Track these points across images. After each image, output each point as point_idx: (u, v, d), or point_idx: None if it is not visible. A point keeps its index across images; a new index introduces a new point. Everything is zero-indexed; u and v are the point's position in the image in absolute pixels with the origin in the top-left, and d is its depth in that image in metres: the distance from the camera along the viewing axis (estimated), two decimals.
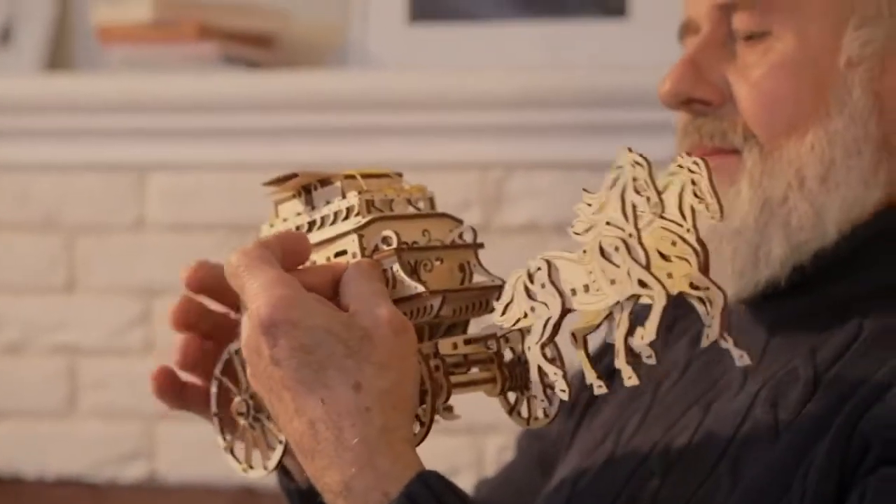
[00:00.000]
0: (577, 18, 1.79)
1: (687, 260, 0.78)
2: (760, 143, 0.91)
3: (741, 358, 0.79)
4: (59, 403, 1.93)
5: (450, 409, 0.86)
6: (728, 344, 0.79)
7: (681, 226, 0.78)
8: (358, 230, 0.84)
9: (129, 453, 1.91)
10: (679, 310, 0.96)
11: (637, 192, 0.79)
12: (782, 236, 0.90)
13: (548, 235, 1.76)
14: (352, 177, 0.87)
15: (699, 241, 0.78)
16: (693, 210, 0.79)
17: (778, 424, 0.87)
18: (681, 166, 0.80)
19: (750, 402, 0.91)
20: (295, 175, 0.87)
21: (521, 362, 0.85)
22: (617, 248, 0.78)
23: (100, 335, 1.91)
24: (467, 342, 0.85)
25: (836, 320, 0.91)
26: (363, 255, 0.84)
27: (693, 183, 0.79)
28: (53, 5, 1.99)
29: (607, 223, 0.80)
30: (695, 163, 0.79)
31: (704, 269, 0.78)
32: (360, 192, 0.86)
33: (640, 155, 0.79)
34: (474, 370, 0.86)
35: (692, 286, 0.78)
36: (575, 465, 1.01)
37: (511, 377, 0.85)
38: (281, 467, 0.93)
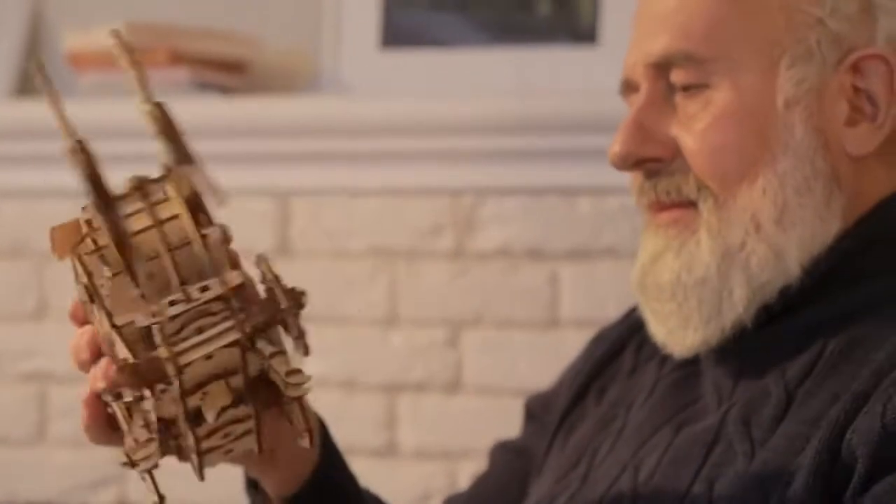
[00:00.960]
0: (547, 45, 1.80)
1: None
2: (714, 193, 0.92)
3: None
4: (30, 430, 1.92)
5: None
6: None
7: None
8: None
9: (99, 479, 1.90)
10: (646, 330, 0.97)
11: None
12: (743, 280, 0.92)
13: (520, 260, 1.76)
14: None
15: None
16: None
17: (753, 443, 0.88)
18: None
19: (720, 420, 0.91)
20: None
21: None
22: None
23: (70, 362, 1.90)
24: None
25: (801, 343, 0.92)
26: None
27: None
28: (23, 30, 1.98)
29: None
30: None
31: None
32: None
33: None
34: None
35: None
36: (548, 487, 1.01)
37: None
38: (248, 481, 0.91)
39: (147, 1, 1.97)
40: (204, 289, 0.74)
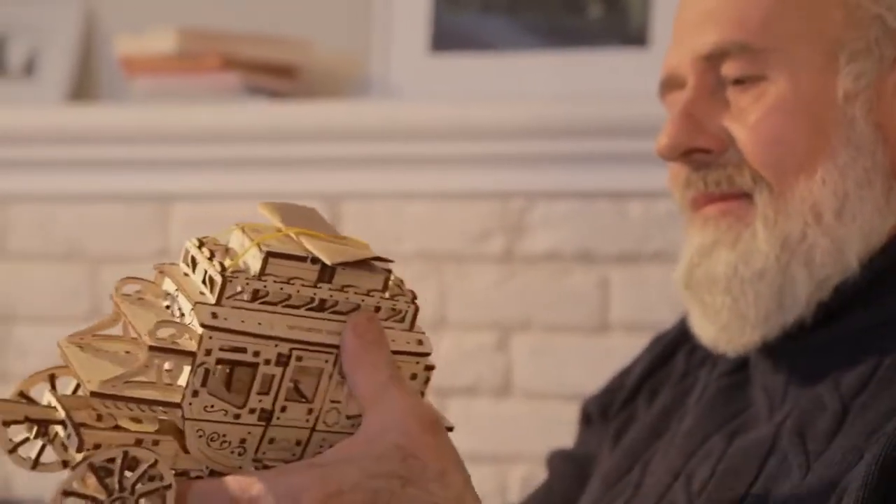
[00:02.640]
0: (597, 48, 1.79)
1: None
2: (770, 184, 0.91)
3: None
4: None
5: None
6: None
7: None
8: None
9: None
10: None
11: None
12: (805, 273, 0.90)
13: (570, 264, 1.76)
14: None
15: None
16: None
17: (808, 456, 0.87)
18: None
19: (775, 432, 0.90)
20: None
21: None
22: None
23: None
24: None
25: (856, 349, 0.90)
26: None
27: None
28: (78, 37, 2.00)
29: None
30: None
31: None
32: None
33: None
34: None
35: None
36: (599, 492, 1.00)
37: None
38: None
39: (198, 6, 1.99)
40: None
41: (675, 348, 1.06)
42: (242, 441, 0.72)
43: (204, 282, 0.73)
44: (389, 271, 0.75)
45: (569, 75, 1.79)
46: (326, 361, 0.73)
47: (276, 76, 1.88)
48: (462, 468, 0.75)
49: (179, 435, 0.72)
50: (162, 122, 1.86)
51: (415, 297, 0.76)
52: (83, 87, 2.02)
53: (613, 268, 1.74)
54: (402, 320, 0.75)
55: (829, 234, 0.90)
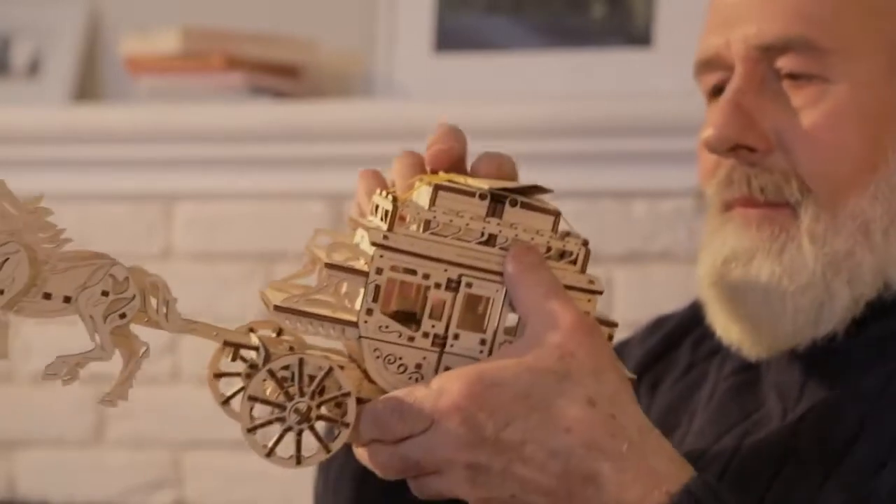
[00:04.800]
0: (601, 48, 1.79)
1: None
2: (818, 198, 0.88)
3: None
4: (88, 432, 1.94)
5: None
6: None
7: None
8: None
9: (157, 481, 1.91)
10: (706, 325, 0.94)
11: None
12: (847, 291, 0.88)
13: None
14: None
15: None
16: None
17: (827, 463, 0.85)
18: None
19: (791, 434, 0.89)
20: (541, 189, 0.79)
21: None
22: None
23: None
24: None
25: (876, 355, 0.89)
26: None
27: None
28: (82, 36, 2.00)
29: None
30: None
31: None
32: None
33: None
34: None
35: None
36: None
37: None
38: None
39: (203, 6, 1.99)
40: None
41: (680, 337, 1.04)
42: (418, 366, 0.76)
43: (382, 218, 0.77)
44: (559, 213, 0.78)
45: (573, 75, 1.79)
46: (497, 291, 0.76)
47: (280, 76, 1.88)
48: (619, 368, 0.76)
49: (364, 371, 0.76)
50: (166, 121, 1.86)
51: (586, 242, 0.79)
52: (87, 87, 2.02)
53: (618, 267, 1.74)
54: (575, 263, 0.78)
55: (874, 252, 0.87)
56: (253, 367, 0.77)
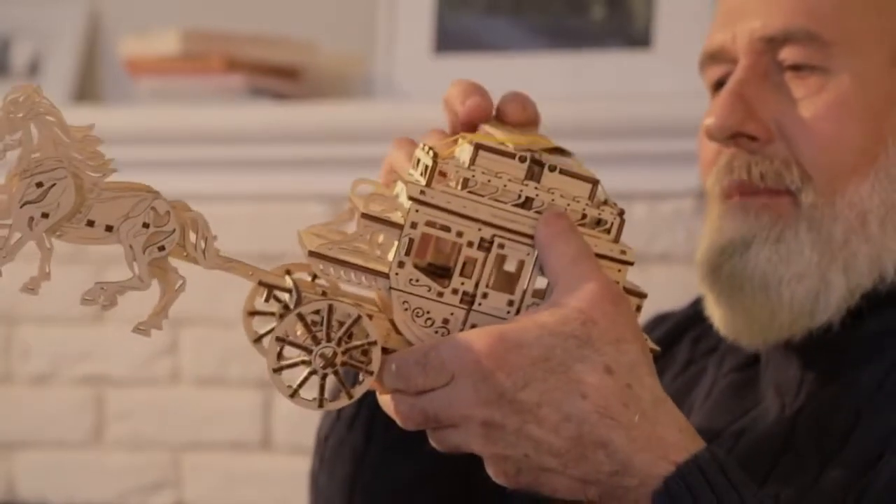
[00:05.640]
0: (601, 49, 1.79)
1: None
2: (818, 185, 0.89)
3: None
4: (87, 433, 1.94)
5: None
6: None
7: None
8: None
9: (156, 482, 1.91)
10: (707, 323, 0.95)
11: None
12: (843, 281, 0.88)
13: None
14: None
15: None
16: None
17: (823, 455, 0.86)
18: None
19: (788, 429, 0.89)
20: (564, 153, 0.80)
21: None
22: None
23: (127, 365, 1.92)
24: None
25: (873, 350, 0.89)
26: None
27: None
28: (82, 38, 2.00)
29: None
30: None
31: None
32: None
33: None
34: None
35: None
36: None
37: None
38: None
39: (203, 8, 1.99)
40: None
41: (680, 334, 1.04)
42: (445, 322, 0.77)
43: (421, 174, 0.78)
44: (597, 181, 0.79)
45: (572, 76, 1.79)
46: (528, 254, 0.77)
47: (280, 77, 1.88)
48: (640, 339, 0.77)
49: (393, 322, 0.77)
50: (166, 123, 1.86)
51: (622, 212, 0.79)
52: (87, 88, 2.02)
53: None
54: (608, 231, 0.79)
55: (870, 242, 0.88)
56: (286, 308, 0.78)
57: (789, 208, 0.89)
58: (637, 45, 1.78)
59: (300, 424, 1.81)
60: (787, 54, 0.90)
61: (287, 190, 1.84)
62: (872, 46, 0.89)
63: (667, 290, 1.72)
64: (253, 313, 0.82)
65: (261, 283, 0.79)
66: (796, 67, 0.90)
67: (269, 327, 0.81)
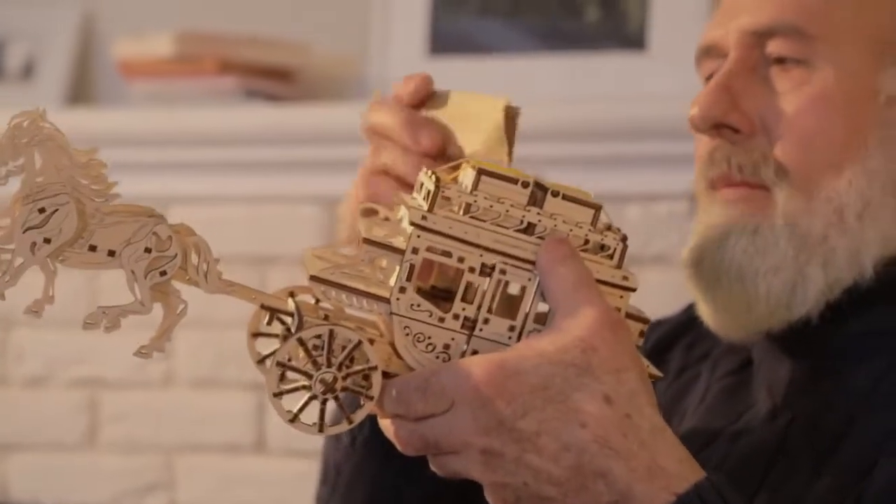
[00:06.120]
0: (596, 51, 1.79)
1: None
2: (794, 181, 0.89)
3: None
4: (81, 435, 1.94)
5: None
6: None
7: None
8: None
9: (150, 485, 1.91)
10: (700, 329, 0.95)
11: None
12: (821, 274, 0.89)
13: None
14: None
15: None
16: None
17: (817, 460, 0.86)
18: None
19: (781, 432, 0.89)
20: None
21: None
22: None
23: (121, 368, 1.91)
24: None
25: (864, 352, 0.90)
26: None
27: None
28: (76, 40, 2.00)
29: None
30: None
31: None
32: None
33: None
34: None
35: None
36: None
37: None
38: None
39: (196, 9, 1.99)
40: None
41: (673, 341, 1.05)
42: (446, 347, 0.77)
43: (424, 198, 0.78)
44: (600, 207, 0.79)
45: (567, 78, 1.79)
46: (530, 280, 0.77)
47: (274, 79, 1.88)
48: (640, 368, 0.77)
49: (394, 346, 0.77)
50: (160, 125, 1.86)
51: (625, 237, 0.79)
52: (81, 91, 2.02)
53: None
54: (611, 257, 0.78)
55: (848, 236, 0.89)
56: (289, 331, 0.79)
57: (766, 201, 0.90)
58: (632, 47, 1.78)
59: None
60: (774, 47, 0.91)
61: (281, 191, 1.84)
62: (857, 43, 0.90)
63: (661, 292, 1.72)
64: (257, 335, 0.82)
65: (263, 307, 0.79)
66: (781, 60, 0.91)
67: (272, 349, 0.81)
